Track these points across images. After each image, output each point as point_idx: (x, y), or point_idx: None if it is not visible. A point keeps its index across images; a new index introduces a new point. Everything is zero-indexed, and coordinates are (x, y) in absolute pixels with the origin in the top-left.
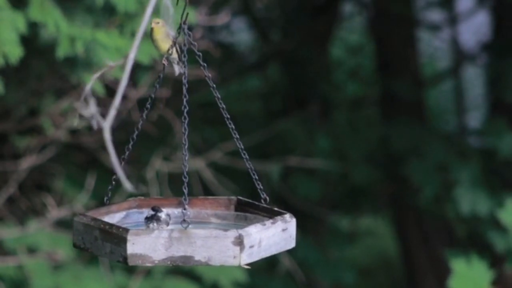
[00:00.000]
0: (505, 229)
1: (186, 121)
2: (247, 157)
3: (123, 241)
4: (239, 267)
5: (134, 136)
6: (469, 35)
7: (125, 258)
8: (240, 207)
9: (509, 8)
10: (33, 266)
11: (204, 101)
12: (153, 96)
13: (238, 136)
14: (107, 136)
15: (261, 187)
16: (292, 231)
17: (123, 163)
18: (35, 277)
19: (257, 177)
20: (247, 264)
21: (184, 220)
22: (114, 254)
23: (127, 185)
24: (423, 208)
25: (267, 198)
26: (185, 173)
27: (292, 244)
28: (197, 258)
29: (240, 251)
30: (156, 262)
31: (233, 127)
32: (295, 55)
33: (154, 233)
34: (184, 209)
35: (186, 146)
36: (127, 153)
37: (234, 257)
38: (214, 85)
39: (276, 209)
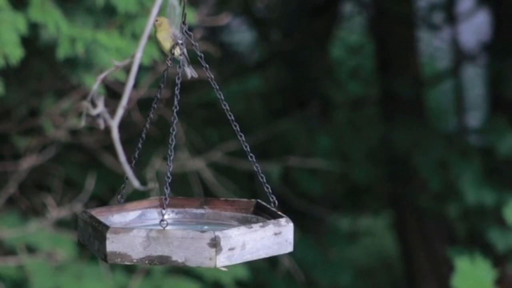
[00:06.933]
0: (508, 227)
1: (175, 121)
2: (254, 160)
3: (104, 238)
4: (239, 265)
5: (143, 135)
6: (469, 35)
7: (105, 256)
8: (257, 210)
9: (509, 8)
10: (34, 266)
11: (204, 101)
12: (159, 95)
13: (244, 139)
14: (115, 135)
15: (270, 191)
16: (288, 236)
17: (134, 161)
18: (36, 277)
19: (265, 180)
20: (225, 266)
21: (162, 220)
22: (100, 251)
23: (135, 183)
24: (423, 207)
25: (276, 202)
26: (168, 173)
27: (288, 248)
28: (174, 258)
29: (216, 253)
30: (135, 261)
31: (239, 129)
32: (295, 55)
33: (132, 232)
34: (163, 208)
35: (172, 146)
36: (137, 151)
37: (210, 258)
38: (218, 87)
39: (279, 213)
